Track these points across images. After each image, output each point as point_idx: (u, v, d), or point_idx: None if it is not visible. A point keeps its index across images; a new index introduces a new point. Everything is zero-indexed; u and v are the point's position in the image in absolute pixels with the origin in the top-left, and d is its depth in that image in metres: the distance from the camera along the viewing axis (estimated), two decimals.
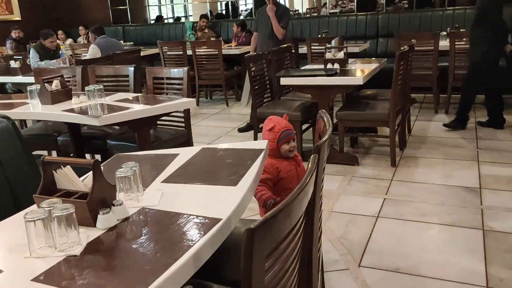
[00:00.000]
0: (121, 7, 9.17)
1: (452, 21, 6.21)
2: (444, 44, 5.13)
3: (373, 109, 3.75)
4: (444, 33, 5.41)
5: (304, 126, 4.03)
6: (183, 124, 3.46)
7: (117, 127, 3.57)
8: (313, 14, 11.63)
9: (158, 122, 3.54)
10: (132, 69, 3.61)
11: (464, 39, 5.02)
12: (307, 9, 13.43)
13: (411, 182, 3.40)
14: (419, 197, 3.13)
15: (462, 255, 2.41)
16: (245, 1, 13.98)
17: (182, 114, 3.45)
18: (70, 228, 1.19)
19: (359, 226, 2.79)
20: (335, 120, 3.96)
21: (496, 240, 2.53)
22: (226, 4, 10.10)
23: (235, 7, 10.60)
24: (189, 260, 1.11)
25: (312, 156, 1.29)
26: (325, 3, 13.36)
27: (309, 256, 1.32)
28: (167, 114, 3.12)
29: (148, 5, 9.82)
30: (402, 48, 3.83)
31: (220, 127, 5.30)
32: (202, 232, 1.22)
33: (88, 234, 1.25)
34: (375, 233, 2.69)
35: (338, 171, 3.67)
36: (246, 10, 12.22)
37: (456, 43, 4.96)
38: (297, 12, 12.02)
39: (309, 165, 1.23)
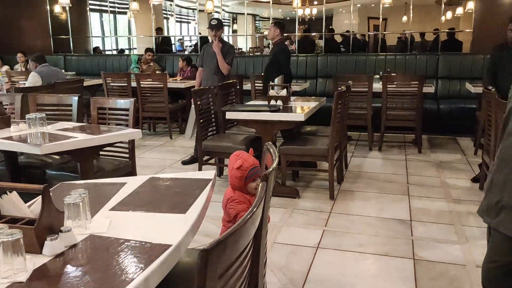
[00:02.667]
0: (63, 36, 9.00)
1: (384, 65, 6.71)
2: (377, 86, 5.52)
3: (313, 145, 3.94)
4: (377, 76, 5.82)
5: None
6: (127, 155, 3.43)
7: (57, 157, 3.47)
8: (256, 53, 12.04)
9: (101, 153, 3.50)
10: (76, 98, 3.57)
11: (395, 82, 5.46)
12: (250, 48, 13.89)
13: (348, 214, 3.57)
14: (356, 229, 3.30)
15: (396, 283, 2.56)
16: (190, 37, 14.21)
17: (126, 145, 3.43)
18: (16, 254, 1.17)
19: (300, 257, 2.88)
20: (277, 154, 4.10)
21: (425, 269, 2.71)
22: (163, 39, 10.20)
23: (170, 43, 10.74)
24: (140, 285, 1.13)
25: (260, 183, 1.37)
26: (268, 44, 13.88)
27: (256, 278, 1.37)
28: (112, 145, 3.09)
29: (91, 36, 9.70)
30: (339, 88, 4.10)
31: (163, 159, 5.28)
32: (151, 258, 1.25)
33: (34, 261, 1.24)
34: (315, 263, 2.79)
35: (281, 203, 3.78)
36: (191, 46, 12.41)
37: (388, 85, 5.35)
38: (240, 50, 12.39)
39: (258, 192, 1.31)
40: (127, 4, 10.88)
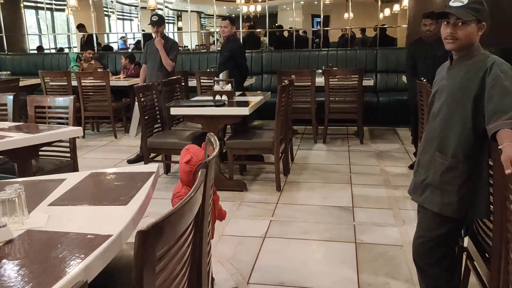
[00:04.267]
0: None
1: (326, 60, 6.92)
2: (320, 80, 5.68)
3: (259, 138, 4.01)
4: (320, 71, 5.99)
5: None
6: (68, 154, 3.34)
7: None
8: (202, 50, 11.99)
9: (42, 153, 3.39)
10: (11, 97, 3.42)
11: (337, 77, 5.64)
12: (196, 45, 13.81)
13: (294, 204, 3.68)
14: (301, 218, 3.40)
15: (339, 266, 2.68)
16: (133, 34, 13.91)
17: (67, 144, 3.34)
18: None
19: (247, 247, 2.93)
20: (224, 149, 4.15)
21: (365, 251, 2.85)
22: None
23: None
24: (80, 273, 1.14)
25: (200, 170, 1.41)
26: (214, 41, 13.87)
27: (199, 264, 1.41)
28: (51, 144, 3.00)
29: (27, 34, 9.25)
30: (283, 82, 4.20)
31: (108, 159, 5.16)
32: (92, 248, 1.25)
33: None
34: (262, 252, 2.86)
35: (228, 197, 3.82)
36: (133, 44, 12.15)
37: (329, 80, 5.53)
38: (186, 48, 12.29)
39: (198, 178, 1.35)
40: (64, 1, 10.48)
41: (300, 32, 12.35)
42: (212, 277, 2.46)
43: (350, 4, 8.62)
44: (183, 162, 2.21)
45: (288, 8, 16.56)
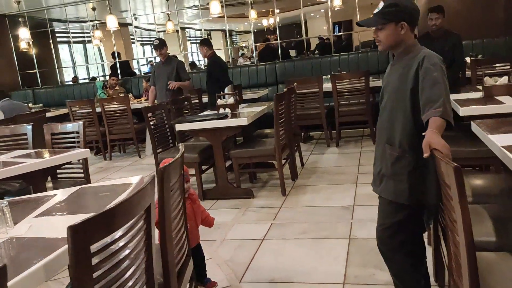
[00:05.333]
0: (30, 71, 9.20)
1: (338, 66, 7.01)
2: (328, 85, 5.79)
3: (262, 146, 4.18)
4: (329, 76, 6.09)
5: (204, 167, 4.36)
6: (82, 175, 3.64)
7: (16, 184, 3.66)
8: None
9: (59, 175, 3.72)
10: (30, 127, 3.76)
11: (345, 81, 5.74)
12: (227, 61, 14.26)
13: (297, 207, 3.80)
14: (302, 219, 3.52)
15: (329, 262, 2.79)
16: (154, 58, 14.48)
17: (81, 166, 3.64)
18: None
19: (246, 249, 3.09)
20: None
21: (358, 246, 2.95)
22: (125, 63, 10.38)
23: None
24: (40, 269, 1.35)
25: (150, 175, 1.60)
26: (242, 54, 14.28)
27: (149, 256, 1.57)
28: (60, 166, 3.30)
29: (58, 67, 9.90)
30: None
31: (130, 177, 5.47)
32: (57, 249, 1.46)
33: None
34: (258, 253, 3.01)
35: (235, 204, 4.00)
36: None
37: (337, 84, 5.63)
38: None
39: (144, 185, 1.54)
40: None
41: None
42: (212, 281, 2.63)
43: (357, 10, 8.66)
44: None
45: (317, 16, 16.77)
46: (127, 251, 1.40)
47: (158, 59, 5.65)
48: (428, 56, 1.79)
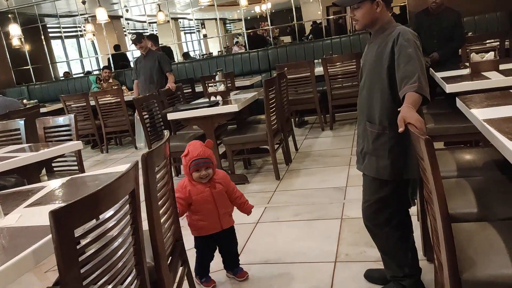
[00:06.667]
0: (24, 67, 9.20)
1: (331, 49, 7.00)
2: (321, 69, 5.79)
3: (253, 132, 4.21)
4: (318, 60, 6.10)
5: None
6: (77, 167, 3.68)
7: (12, 179, 3.70)
8: (221, 55, 12.30)
9: (55, 168, 3.76)
10: (22, 122, 3.79)
11: (337, 64, 5.74)
12: (218, 51, 14.23)
13: (291, 190, 3.85)
14: (296, 201, 3.57)
15: (321, 241, 2.84)
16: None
17: (75, 158, 3.67)
18: None
19: (240, 233, 3.11)
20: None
21: (349, 225, 2.99)
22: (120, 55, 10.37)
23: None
24: (29, 255, 1.39)
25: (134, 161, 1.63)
26: (237, 42, 14.26)
27: (137, 239, 1.61)
28: (54, 159, 3.33)
29: (52, 63, 9.89)
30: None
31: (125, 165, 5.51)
32: (44, 236, 1.50)
33: None
34: (252, 236, 3.06)
35: None
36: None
37: (328, 67, 5.63)
38: (211, 54, 12.71)
39: (127, 169, 1.57)
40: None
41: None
42: (244, 271, 2.59)
43: None
44: (182, 155, 2.42)
45: (311, 1, 16.60)
46: (114, 234, 1.44)
47: None
48: (403, 32, 1.81)
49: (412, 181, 2.03)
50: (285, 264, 2.64)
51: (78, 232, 1.28)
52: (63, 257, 1.23)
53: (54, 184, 2.16)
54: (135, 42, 5.09)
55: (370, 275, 2.30)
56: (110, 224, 1.43)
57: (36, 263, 1.44)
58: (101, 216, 1.39)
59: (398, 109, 1.64)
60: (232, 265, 2.59)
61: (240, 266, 2.61)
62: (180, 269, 2.17)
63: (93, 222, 1.36)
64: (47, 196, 1.98)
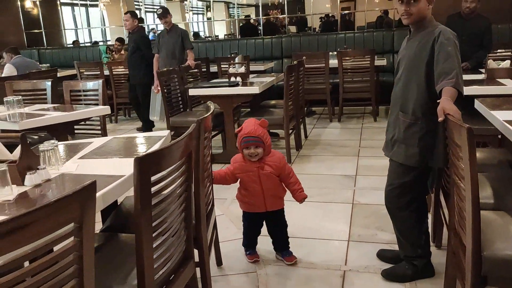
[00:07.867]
0: (36, 31, 9.21)
1: (344, 43, 7.14)
2: (335, 62, 5.93)
3: (270, 115, 4.35)
4: (334, 53, 6.23)
5: (214, 133, 4.54)
6: (99, 132, 3.80)
7: (35, 137, 3.80)
8: (226, 39, 12.37)
9: (76, 131, 3.87)
10: (49, 83, 3.90)
11: (350, 58, 5.88)
12: (224, 35, 14.27)
13: (302, 174, 4.00)
14: (307, 184, 3.66)
15: (334, 221, 3.01)
16: (156, 26, 14.45)
17: (98, 123, 3.80)
18: (4, 184, 1.56)
19: None
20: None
21: (361, 210, 3.17)
22: None
23: None
24: (99, 197, 1.53)
25: (192, 125, 1.78)
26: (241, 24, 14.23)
27: (189, 196, 1.77)
28: (82, 121, 3.46)
29: (64, 29, 9.90)
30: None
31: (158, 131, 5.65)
32: (110, 183, 1.64)
33: (18, 189, 1.62)
34: None
35: None
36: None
37: (343, 61, 5.77)
38: (217, 37, 12.75)
39: (189, 131, 1.72)
40: None
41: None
42: (293, 255, 2.56)
43: None
44: (236, 131, 2.50)
45: None
46: (173, 187, 1.59)
47: (160, 27, 5.73)
48: (444, 31, 1.96)
49: (433, 171, 2.20)
50: (300, 239, 2.80)
51: (153, 179, 1.43)
52: (141, 198, 1.38)
53: (99, 141, 2.29)
54: (160, 16, 5.17)
55: (382, 254, 2.48)
56: (173, 177, 1.57)
57: (104, 205, 1.58)
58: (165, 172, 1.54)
59: (438, 101, 1.79)
60: (280, 247, 2.58)
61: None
62: (212, 231, 2.32)
63: (160, 174, 1.52)
64: (97, 151, 2.12)
